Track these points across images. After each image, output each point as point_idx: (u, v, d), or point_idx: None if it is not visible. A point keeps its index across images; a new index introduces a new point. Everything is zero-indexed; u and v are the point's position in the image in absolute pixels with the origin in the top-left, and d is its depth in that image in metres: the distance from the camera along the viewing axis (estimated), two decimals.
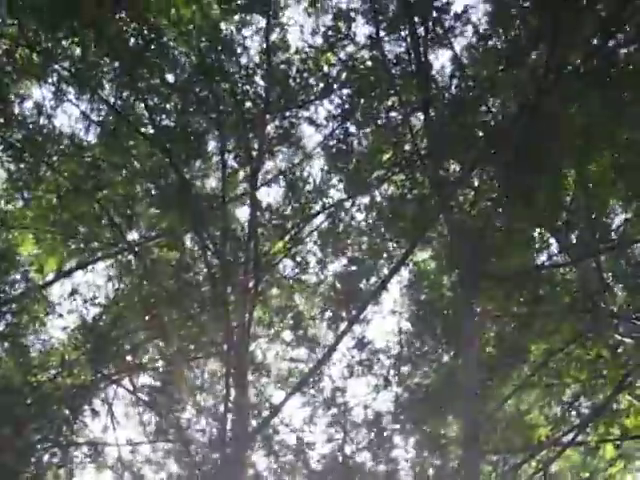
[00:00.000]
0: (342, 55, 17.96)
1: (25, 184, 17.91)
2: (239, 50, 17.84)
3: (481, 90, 16.85)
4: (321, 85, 18.03)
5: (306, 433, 18.14)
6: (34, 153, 17.39)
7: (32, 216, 18.34)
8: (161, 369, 19.14)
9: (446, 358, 18.50)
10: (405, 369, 18.68)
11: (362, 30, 18.46)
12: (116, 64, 16.82)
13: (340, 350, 18.18)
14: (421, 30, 16.98)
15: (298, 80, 17.89)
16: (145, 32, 16.55)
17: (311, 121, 18.25)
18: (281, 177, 18.91)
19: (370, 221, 18.80)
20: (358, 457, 17.97)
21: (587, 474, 19.74)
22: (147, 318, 18.11)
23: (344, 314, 18.46)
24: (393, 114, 17.91)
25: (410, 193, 18.00)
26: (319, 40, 17.89)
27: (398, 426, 18.04)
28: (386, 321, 19.02)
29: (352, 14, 17.61)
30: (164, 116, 17.37)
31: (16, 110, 17.39)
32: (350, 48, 17.90)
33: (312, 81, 18.02)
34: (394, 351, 18.61)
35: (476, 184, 17.41)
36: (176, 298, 17.85)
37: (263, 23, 17.93)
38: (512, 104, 16.84)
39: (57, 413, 17.30)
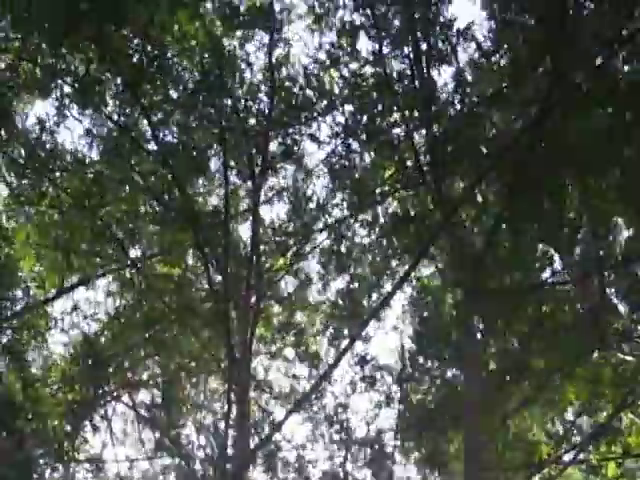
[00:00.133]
0: (345, 71, 17.98)
1: (27, 200, 17.87)
2: (242, 66, 17.87)
3: (484, 106, 16.84)
4: (324, 102, 18.01)
5: (307, 450, 18.12)
6: (36, 169, 17.36)
7: (34, 232, 18.30)
8: (161, 385, 19.12)
9: (448, 375, 18.45)
10: (407, 386, 18.63)
11: (365, 46, 18.46)
12: (119, 80, 16.80)
13: (342, 367, 18.16)
14: (424, 47, 16.99)
15: (301, 96, 17.88)
16: (148, 48, 16.53)
17: (314, 138, 18.22)
18: (284, 194, 18.89)
19: (373, 238, 18.78)
20: (359, 474, 17.96)
21: None
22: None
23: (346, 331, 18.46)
24: (396, 130, 17.90)
25: (413, 209, 17.98)
26: (322, 56, 17.93)
27: (399, 443, 18.01)
28: (388, 337, 19.02)
29: (355, 31, 17.62)
30: (167, 132, 17.35)
31: (19, 125, 17.37)
32: (353, 64, 17.92)
33: (315, 97, 18.00)
34: (396, 368, 18.58)
35: (479, 200, 17.38)
36: (178, 314, 17.85)
37: (266, 39, 17.95)
38: (515, 121, 16.83)
39: (58, 428, 17.28)
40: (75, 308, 19.19)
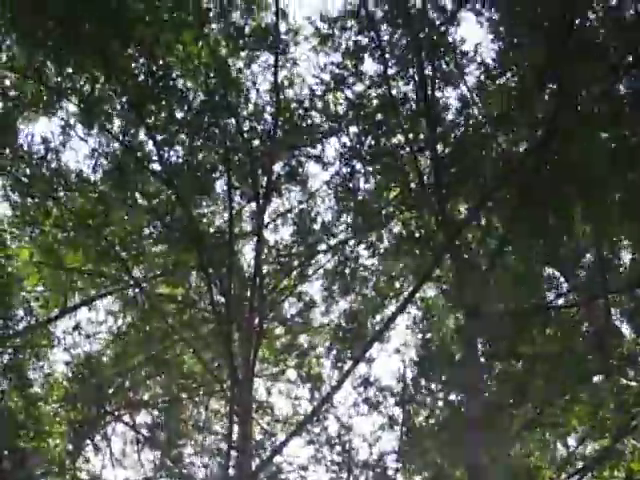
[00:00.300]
0: (350, 93, 17.98)
1: (31, 219, 17.86)
2: (247, 86, 17.88)
3: (490, 128, 16.85)
4: (329, 123, 18.01)
5: (309, 472, 18.03)
6: (41, 188, 17.35)
7: (38, 251, 18.29)
8: (163, 406, 19.09)
9: (451, 397, 18.37)
10: (410, 408, 18.56)
11: (370, 68, 18.54)
12: (124, 99, 16.81)
13: (345, 388, 18.10)
14: (429, 68, 17.02)
15: (306, 118, 17.89)
16: (154, 68, 16.56)
17: (318, 159, 18.21)
18: (288, 215, 18.89)
19: (377, 259, 18.77)
20: None
21: None
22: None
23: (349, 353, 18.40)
24: (400, 152, 17.88)
25: (417, 231, 17.95)
26: (327, 77, 17.95)
27: (402, 465, 17.92)
28: (392, 359, 18.97)
29: (360, 52, 17.65)
30: (172, 152, 17.33)
31: (24, 145, 17.37)
32: (358, 86, 17.93)
33: (320, 119, 18.01)
34: (399, 390, 18.51)
35: (483, 222, 17.37)
36: (180, 335, 17.82)
37: (272, 60, 17.97)
38: (521, 142, 16.84)
39: (60, 447, 17.25)
40: (77, 327, 19.15)
